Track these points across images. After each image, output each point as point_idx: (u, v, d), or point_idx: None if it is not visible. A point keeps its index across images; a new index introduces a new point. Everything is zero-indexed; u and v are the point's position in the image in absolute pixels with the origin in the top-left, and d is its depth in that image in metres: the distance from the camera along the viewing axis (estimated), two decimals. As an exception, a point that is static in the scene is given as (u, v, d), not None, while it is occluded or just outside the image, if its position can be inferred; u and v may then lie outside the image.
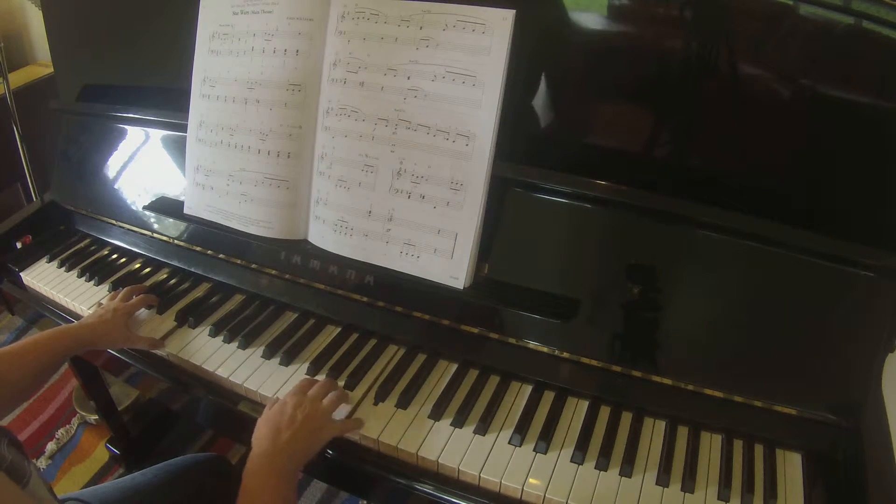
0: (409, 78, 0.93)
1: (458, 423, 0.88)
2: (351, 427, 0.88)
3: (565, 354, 0.92)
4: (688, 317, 0.87)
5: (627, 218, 0.88)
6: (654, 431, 0.89)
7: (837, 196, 0.85)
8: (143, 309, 1.11)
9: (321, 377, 0.96)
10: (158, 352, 1.05)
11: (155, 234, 1.23)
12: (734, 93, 0.86)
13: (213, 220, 1.12)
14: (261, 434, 0.81)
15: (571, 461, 0.84)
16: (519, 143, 0.92)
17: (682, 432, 0.88)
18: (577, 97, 0.97)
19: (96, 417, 1.78)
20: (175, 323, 1.09)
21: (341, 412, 0.90)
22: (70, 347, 0.97)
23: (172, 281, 1.20)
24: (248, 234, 1.09)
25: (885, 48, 0.79)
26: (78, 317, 1.15)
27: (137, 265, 1.26)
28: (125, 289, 1.12)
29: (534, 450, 0.85)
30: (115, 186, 1.28)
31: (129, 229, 1.27)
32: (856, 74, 0.81)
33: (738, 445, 0.87)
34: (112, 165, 1.29)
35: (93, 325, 1.01)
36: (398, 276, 0.98)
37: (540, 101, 0.96)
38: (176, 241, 1.20)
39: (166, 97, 1.19)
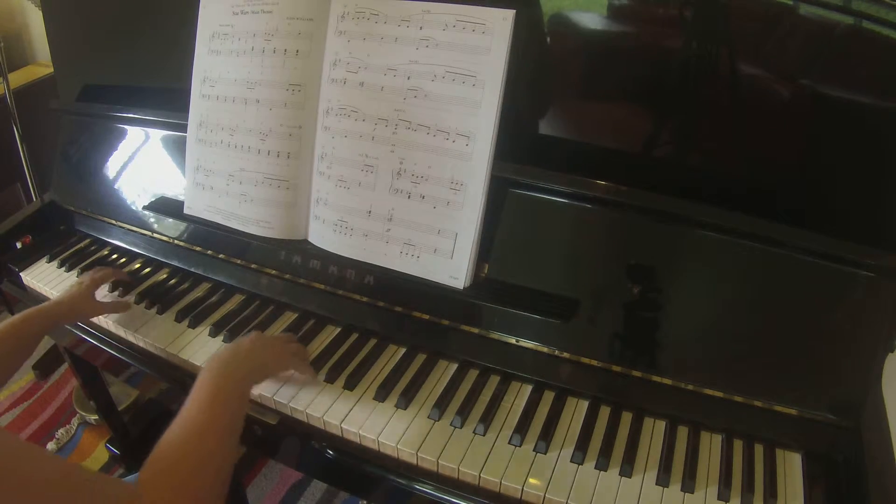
0: (409, 78, 0.93)
1: (458, 423, 0.88)
2: (306, 371, 0.95)
3: (565, 354, 0.92)
4: (688, 317, 0.87)
5: (627, 218, 0.88)
6: (654, 431, 0.89)
7: (837, 196, 0.85)
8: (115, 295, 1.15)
9: (321, 377, 0.96)
10: (157, 352, 1.05)
11: (155, 234, 1.23)
12: (734, 93, 0.86)
13: (213, 220, 1.12)
14: (222, 349, 0.88)
15: (571, 461, 0.84)
16: (519, 143, 0.92)
17: (682, 432, 0.88)
18: (576, 97, 0.97)
19: (96, 417, 1.78)
20: (175, 323, 1.09)
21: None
22: (43, 325, 1.01)
23: (172, 281, 1.20)
24: (248, 234, 1.09)
25: (885, 48, 0.79)
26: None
27: (137, 265, 1.26)
28: (93, 269, 1.17)
29: (534, 450, 0.85)
30: (115, 186, 1.28)
31: (129, 229, 1.27)
32: (856, 74, 0.81)
33: (738, 445, 0.86)
34: (112, 165, 1.29)
35: (61, 301, 1.06)
36: (398, 276, 0.98)
37: (540, 100, 0.96)
38: (176, 241, 1.20)
39: (166, 97, 1.19)
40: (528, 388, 0.95)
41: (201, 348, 1.04)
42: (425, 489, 0.84)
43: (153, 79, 1.26)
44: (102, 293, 1.15)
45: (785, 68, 0.83)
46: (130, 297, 1.11)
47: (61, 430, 1.84)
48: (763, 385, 0.84)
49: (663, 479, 0.81)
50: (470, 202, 0.91)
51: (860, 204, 0.85)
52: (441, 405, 0.91)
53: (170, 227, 1.20)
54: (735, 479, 0.81)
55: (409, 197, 0.95)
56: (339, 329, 1.07)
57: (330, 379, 0.96)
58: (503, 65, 0.87)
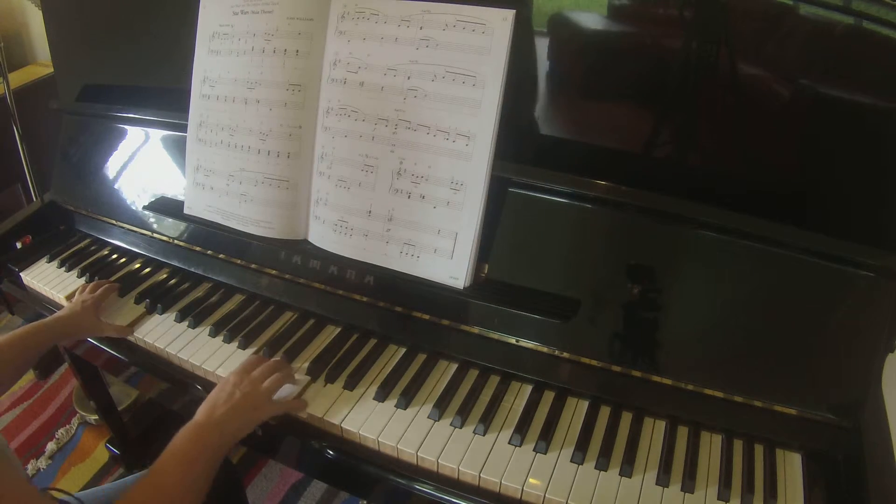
0: (409, 78, 0.93)
1: (458, 423, 0.88)
2: (291, 407, 0.91)
3: (565, 354, 0.92)
4: (688, 317, 0.87)
5: (627, 218, 0.89)
6: (654, 431, 0.89)
7: (838, 196, 0.85)
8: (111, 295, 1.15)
9: (321, 377, 0.96)
10: (157, 352, 1.05)
11: (155, 234, 1.23)
12: (734, 93, 0.86)
13: (213, 220, 1.12)
14: (201, 408, 0.85)
15: (571, 461, 0.84)
16: (519, 143, 0.92)
17: (682, 432, 0.88)
18: (577, 97, 0.97)
19: (96, 417, 1.78)
20: (175, 323, 1.09)
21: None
22: (47, 339, 1.03)
23: (172, 281, 1.20)
24: (248, 234, 1.09)
25: (885, 48, 0.79)
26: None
27: (137, 265, 1.26)
28: (92, 283, 1.17)
29: (534, 450, 0.85)
30: (115, 186, 1.28)
31: (129, 229, 1.27)
32: (856, 74, 0.81)
33: (738, 445, 0.87)
34: (112, 165, 1.29)
35: (64, 318, 1.08)
36: (398, 276, 0.98)
37: (540, 100, 0.96)
38: (176, 241, 1.20)
39: (166, 97, 1.19)
40: (528, 388, 0.95)
41: (201, 348, 1.04)
42: (425, 489, 0.83)
43: (153, 79, 1.26)
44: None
45: (785, 68, 0.83)
46: (130, 328, 1.09)
47: (61, 430, 1.84)
48: (763, 385, 0.84)
49: (663, 480, 0.81)
50: (470, 202, 0.91)
51: (860, 204, 0.85)
52: (441, 405, 0.91)
53: (170, 227, 1.20)
54: (735, 479, 0.82)
55: (409, 197, 0.95)
56: (339, 329, 1.07)
57: (330, 379, 0.96)
58: (503, 65, 0.87)
